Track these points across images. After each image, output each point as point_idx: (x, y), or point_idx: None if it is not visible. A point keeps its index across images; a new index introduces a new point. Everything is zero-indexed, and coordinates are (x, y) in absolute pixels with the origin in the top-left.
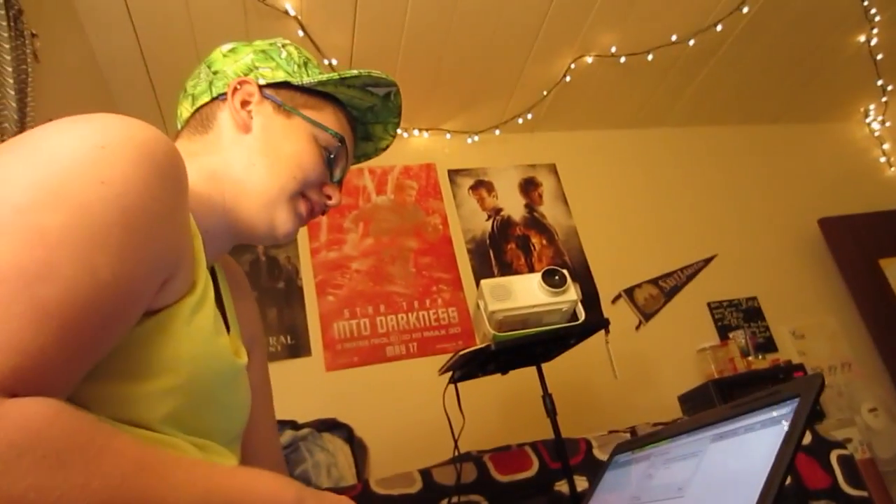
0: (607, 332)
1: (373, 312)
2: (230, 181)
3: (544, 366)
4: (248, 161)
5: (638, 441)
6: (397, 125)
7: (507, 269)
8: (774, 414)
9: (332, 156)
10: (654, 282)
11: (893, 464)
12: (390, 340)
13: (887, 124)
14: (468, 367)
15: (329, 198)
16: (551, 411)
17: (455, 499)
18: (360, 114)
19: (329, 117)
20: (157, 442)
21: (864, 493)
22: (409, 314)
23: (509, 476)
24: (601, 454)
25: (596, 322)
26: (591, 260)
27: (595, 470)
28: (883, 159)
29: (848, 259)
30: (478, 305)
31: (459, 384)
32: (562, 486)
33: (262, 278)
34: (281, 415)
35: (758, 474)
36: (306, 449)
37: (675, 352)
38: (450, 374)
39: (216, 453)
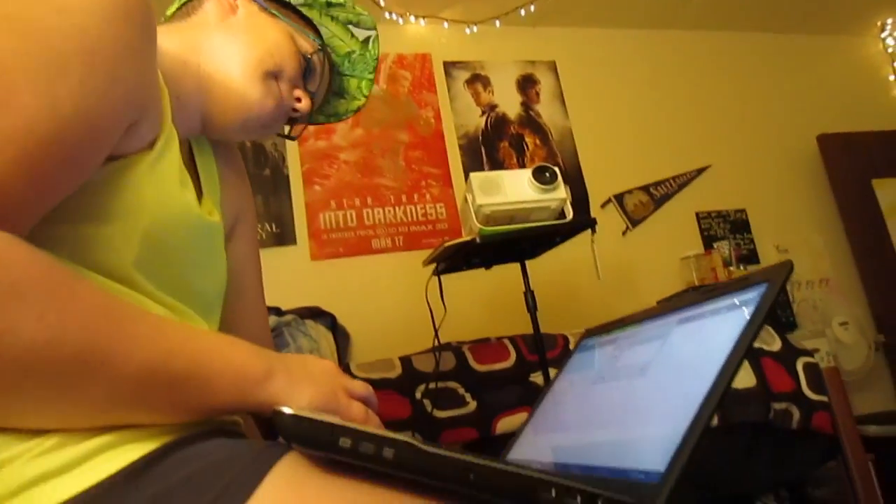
0: (594, 232)
1: (360, 204)
2: (208, 49)
3: (528, 263)
4: (229, 36)
5: (607, 326)
6: (371, 83)
7: (499, 168)
8: (742, 298)
9: (309, 61)
10: (645, 189)
11: (856, 374)
12: (377, 233)
13: None
14: (453, 259)
15: (298, 100)
16: (532, 307)
17: (433, 385)
18: (338, 59)
19: (309, 42)
20: (125, 296)
21: (825, 399)
22: (397, 208)
23: (487, 366)
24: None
25: (583, 222)
26: (584, 163)
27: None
28: (892, 77)
29: (842, 177)
30: (466, 199)
31: (443, 277)
32: (536, 378)
33: (248, 165)
34: (266, 301)
35: (718, 355)
36: (289, 334)
37: (660, 259)
38: (434, 265)
39: (190, 318)
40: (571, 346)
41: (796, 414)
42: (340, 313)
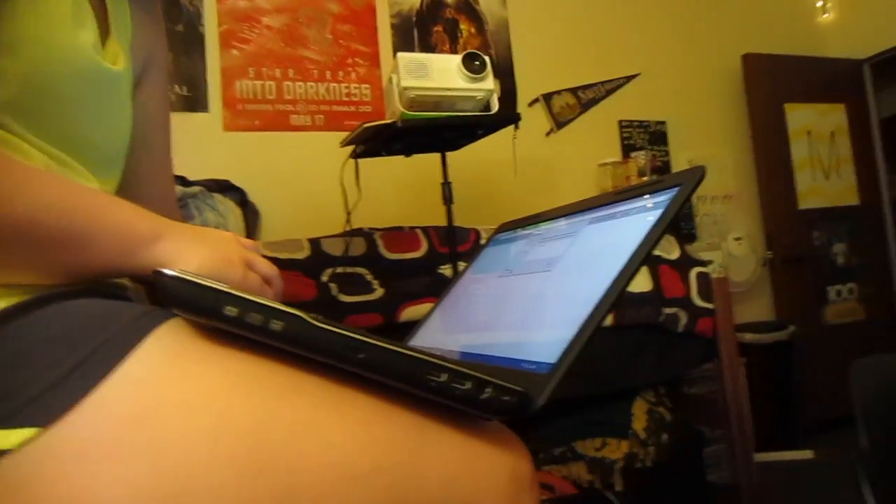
0: (517, 128)
1: (280, 76)
2: None
3: (448, 155)
4: None
5: (521, 221)
6: None
7: (430, 53)
8: (654, 201)
9: None
10: (573, 91)
11: (743, 286)
12: (296, 109)
13: None
14: (372, 143)
15: None
16: (448, 199)
17: (340, 269)
18: None
19: None
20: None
21: (711, 306)
22: (320, 84)
23: (397, 254)
24: None
25: (508, 116)
26: (516, 58)
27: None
28: (819, 3)
29: (758, 98)
30: (391, 79)
31: (362, 162)
32: (446, 270)
33: None
34: None
35: (623, 253)
36: (195, 207)
37: (578, 163)
38: (352, 148)
39: (77, 173)
40: (482, 241)
41: (683, 318)
42: (251, 189)
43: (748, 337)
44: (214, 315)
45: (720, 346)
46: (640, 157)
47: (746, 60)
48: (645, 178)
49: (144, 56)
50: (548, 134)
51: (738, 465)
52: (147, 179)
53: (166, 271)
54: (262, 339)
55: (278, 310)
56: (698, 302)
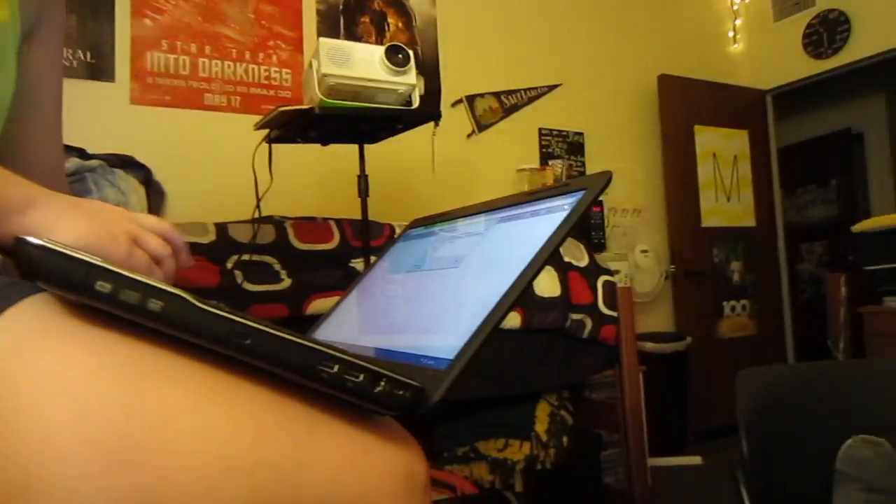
0: (437, 125)
1: (196, 52)
2: None
3: (367, 148)
4: None
5: (433, 218)
6: None
7: None
8: (561, 203)
9: None
10: (497, 95)
11: (646, 297)
12: (211, 88)
13: (747, 0)
14: (288, 128)
15: None
16: (364, 192)
17: (247, 256)
18: None
19: None
20: None
21: (615, 314)
22: (238, 64)
23: (308, 245)
24: None
25: (428, 113)
26: (442, 57)
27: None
28: (731, 33)
29: (670, 118)
30: (311, 64)
31: (277, 148)
32: (358, 264)
33: None
34: (69, 140)
35: (529, 252)
36: (94, 182)
37: (498, 167)
38: (266, 132)
39: None
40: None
41: (589, 324)
42: (158, 168)
43: (648, 346)
44: (84, 290)
45: (622, 353)
46: (558, 166)
47: (662, 81)
48: None
49: (36, 10)
50: (469, 136)
51: (632, 469)
52: (31, 144)
53: (30, 239)
54: (138, 319)
55: (158, 288)
56: (604, 309)
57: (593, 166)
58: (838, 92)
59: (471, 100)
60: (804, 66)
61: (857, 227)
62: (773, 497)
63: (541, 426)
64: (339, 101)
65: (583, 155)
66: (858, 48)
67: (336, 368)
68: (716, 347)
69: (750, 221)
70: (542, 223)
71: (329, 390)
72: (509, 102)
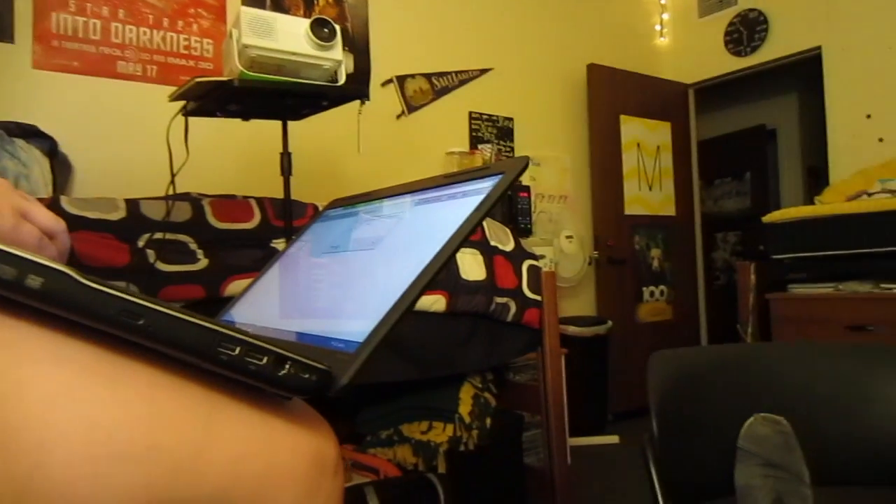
0: (363, 104)
1: (109, 15)
2: None
3: (291, 125)
4: None
5: (353, 199)
6: None
7: None
8: (478, 186)
9: None
10: (428, 77)
11: (570, 282)
12: (125, 55)
13: None
14: (206, 101)
15: None
16: (287, 171)
17: (160, 235)
18: None
19: None
20: None
21: (538, 298)
22: (156, 31)
23: (227, 224)
24: None
25: (355, 91)
26: (373, 36)
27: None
28: (658, 27)
29: (598, 107)
30: (231, 34)
31: (196, 122)
32: (279, 244)
33: None
34: None
35: (444, 234)
36: None
37: (427, 148)
38: (183, 104)
39: None
40: None
41: (513, 308)
42: (64, 139)
43: (571, 330)
44: None
45: (545, 336)
46: (487, 150)
47: (591, 70)
48: None
49: None
50: (399, 117)
51: (552, 449)
52: None
53: None
54: (16, 297)
55: (39, 264)
56: (528, 293)
57: (522, 152)
58: (755, 89)
59: (401, 80)
60: (725, 63)
61: (767, 219)
62: (682, 473)
63: (464, 408)
64: (261, 74)
65: (512, 140)
66: (775, 48)
67: (237, 351)
68: (635, 331)
69: (670, 211)
70: (459, 206)
71: (230, 373)
72: (440, 84)
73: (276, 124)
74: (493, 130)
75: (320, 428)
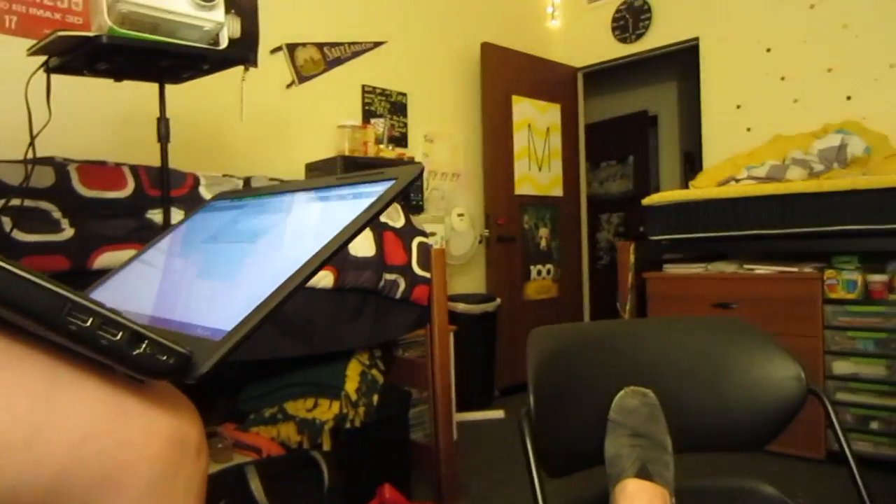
0: (247, 69)
1: None
2: None
3: (169, 88)
4: None
5: (240, 192)
6: None
7: None
8: (370, 189)
9: None
10: (320, 46)
11: (461, 259)
12: None
13: None
14: (72, 58)
15: None
16: (164, 137)
17: (17, 201)
18: None
19: None
20: None
21: (427, 275)
22: None
23: (96, 192)
24: (207, 193)
25: (237, 55)
26: (263, 0)
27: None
28: (550, 10)
29: (491, 86)
30: None
31: (63, 81)
32: (155, 215)
33: None
34: None
35: (326, 235)
36: None
37: (317, 120)
38: (45, 59)
39: None
40: (202, 189)
41: (402, 285)
42: None
43: (461, 307)
44: None
45: (433, 313)
46: (380, 125)
47: (484, 49)
48: (381, 146)
49: None
50: (289, 86)
51: (438, 425)
52: None
53: None
54: None
55: None
56: (417, 270)
57: (416, 128)
58: (640, 75)
59: (292, 48)
60: (612, 49)
61: (646, 201)
62: (557, 444)
63: (351, 385)
64: (134, 31)
65: (406, 116)
66: (657, 37)
67: (90, 322)
68: (522, 309)
69: (558, 191)
70: (346, 208)
71: (78, 347)
72: (332, 55)
73: (154, 87)
74: (386, 105)
75: (181, 408)
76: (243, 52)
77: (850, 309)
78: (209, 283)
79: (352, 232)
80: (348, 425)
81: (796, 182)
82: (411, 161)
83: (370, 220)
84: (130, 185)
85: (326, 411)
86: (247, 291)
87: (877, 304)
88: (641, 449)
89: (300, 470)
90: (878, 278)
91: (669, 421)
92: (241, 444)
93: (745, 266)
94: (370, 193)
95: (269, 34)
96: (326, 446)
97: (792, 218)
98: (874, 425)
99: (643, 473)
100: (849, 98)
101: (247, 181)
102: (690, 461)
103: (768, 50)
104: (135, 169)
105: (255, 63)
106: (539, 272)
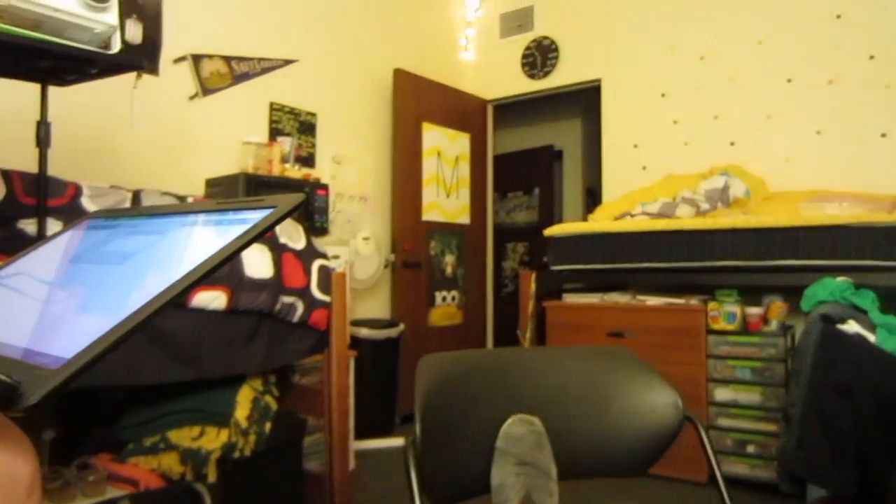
0: (139, 76)
1: None
2: None
3: (54, 90)
4: None
5: (116, 212)
6: None
7: None
8: (249, 216)
9: None
10: (227, 60)
11: (366, 283)
12: None
13: (480, 13)
14: None
15: None
16: (44, 141)
17: None
18: None
19: None
20: None
21: (327, 299)
22: None
23: None
24: (92, 204)
25: (130, 61)
26: (168, 6)
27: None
28: (463, 41)
29: (402, 112)
30: None
31: None
32: (28, 225)
33: None
34: None
35: (197, 258)
36: None
37: (221, 135)
38: None
39: None
40: (85, 200)
41: (300, 308)
42: None
43: (363, 332)
44: None
45: (332, 338)
46: (287, 143)
47: (397, 75)
48: (287, 166)
49: None
50: (192, 98)
51: (333, 453)
52: None
53: None
54: None
55: None
56: (317, 294)
57: (324, 149)
58: (547, 110)
59: (197, 59)
60: (521, 84)
61: (548, 232)
62: (444, 474)
63: (242, 412)
64: (12, 27)
65: (314, 136)
66: (564, 75)
67: None
68: (426, 335)
69: (465, 219)
70: (224, 232)
71: None
72: (240, 70)
73: (35, 88)
74: (294, 124)
75: (12, 445)
76: (137, 58)
77: (730, 339)
78: (62, 306)
79: (220, 259)
80: (237, 454)
81: (685, 219)
82: (316, 182)
83: (241, 248)
84: (1, 191)
85: (214, 440)
86: (99, 318)
87: (753, 334)
88: (526, 477)
89: (180, 503)
90: (754, 311)
91: (556, 448)
92: (116, 477)
93: (638, 297)
94: (246, 220)
95: (174, 43)
96: (212, 477)
97: (680, 252)
98: (750, 448)
99: (527, 502)
100: (732, 143)
101: (136, 194)
102: (573, 488)
103: (663, 95)
104: (7, 174)
105: (154, 71)
106: (444, 298)
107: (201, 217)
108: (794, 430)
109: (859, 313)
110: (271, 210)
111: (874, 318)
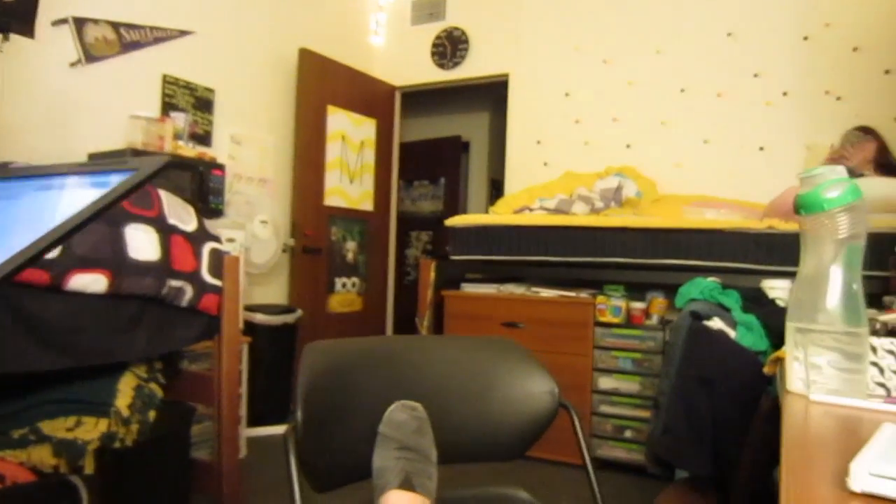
0: (6, 38)
1: None
2: None
3: None
4: None
5: None
6: None
7: None
8: (110, 179)
9: None
10: (115, 26)
11: (262, 268)
12: None
13: None
14: None
15: None
16: None
17: None
18: None
19: None
20: None
21: (219, 283)
22: None
23: None
24: None
25: None
26: None
27: None
28: (374, 25)
29: (306, 93)
30: None
31: None
32: None
33: None
34: None
35: (49, 223)
36: None
37: (107, 107)
38: None
39: None
40: None
41: (189, 293)
42: None
43: (259, 318)
44: None
45: (223, 324)
46: (180, 119)
47: (302, 55)
48: (180, 143)
49: None
50: (74, 65)
51: (222, 442)
52: None
53: None
54: None
55: None
56: (208, 278)
57: (222, 127)
58: (456, 102)
59: (80, 23)
60: (430, 73)
61: (449, 222)
62: (327, 460)
63: (123, 401)
64: None
65: (211, 113)
66: (473, 67)
67: None
68: (325, 321)
69: (368, 206)
70: (84, 195)
71: None
72: (130, 38)
73: None
74: (190, 99)
75: None
76: (4, 18)
77: (615, 332)
78: None
79: (73, 225)
80: (118, 445)
81: (579, 216)
82: (212, 162)
83: (98, 212)
84: None
85: (91, 430)
86: None
87: (636, 328)
88: (407, 461)
89: (53, 498)
90: (638, 305)
91: (437, 434)
92: None
93: (533, 289)
94: (105, 183)
95: (53, 3)
96: (89, 469)
97: (574, 248)
98: (628, 434)
99: (406, 485)
100: (628, 146)
101: (2, 166)
102: (452, 472)
103: (567, 94)
104: None
105: (29, 33)
106: (344, 285)
107: (57, 180)
108: (662, 416)
109: (724, 311)
110: (131, 173)
111: (736, 317)
